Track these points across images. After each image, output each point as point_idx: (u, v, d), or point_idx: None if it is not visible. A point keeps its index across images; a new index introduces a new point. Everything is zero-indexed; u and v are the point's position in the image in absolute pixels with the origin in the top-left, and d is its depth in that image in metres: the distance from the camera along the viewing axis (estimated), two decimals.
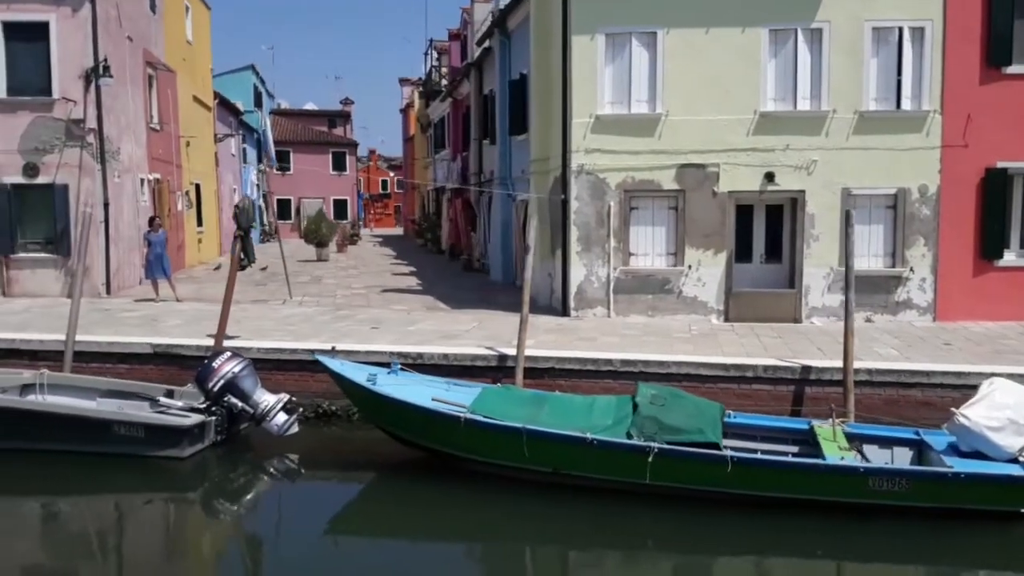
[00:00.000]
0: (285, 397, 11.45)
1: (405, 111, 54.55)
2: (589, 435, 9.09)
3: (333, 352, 11.70)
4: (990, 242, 15.04)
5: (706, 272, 15.31)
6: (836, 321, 15.10)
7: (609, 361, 11.73)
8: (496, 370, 12.08)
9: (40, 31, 18.40)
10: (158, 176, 23.73)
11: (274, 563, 8.74)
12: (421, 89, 43.53)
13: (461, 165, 30.77)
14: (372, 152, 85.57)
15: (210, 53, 33.52)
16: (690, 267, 15.31)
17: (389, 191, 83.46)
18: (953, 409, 9.30)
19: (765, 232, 15.66)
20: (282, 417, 11.24)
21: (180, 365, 12.95)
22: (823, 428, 9.84)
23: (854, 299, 11.33)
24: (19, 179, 18.56)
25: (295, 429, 11.32)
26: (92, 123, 18.71)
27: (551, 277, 17.42)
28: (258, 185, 44.03)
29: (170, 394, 11.99)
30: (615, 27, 15.21)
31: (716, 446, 9.02)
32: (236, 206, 13.20)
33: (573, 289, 15.62)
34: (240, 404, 11.21)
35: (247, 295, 19.92)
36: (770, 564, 8.63)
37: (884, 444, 9.93)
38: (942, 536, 8.76)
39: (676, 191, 15.30)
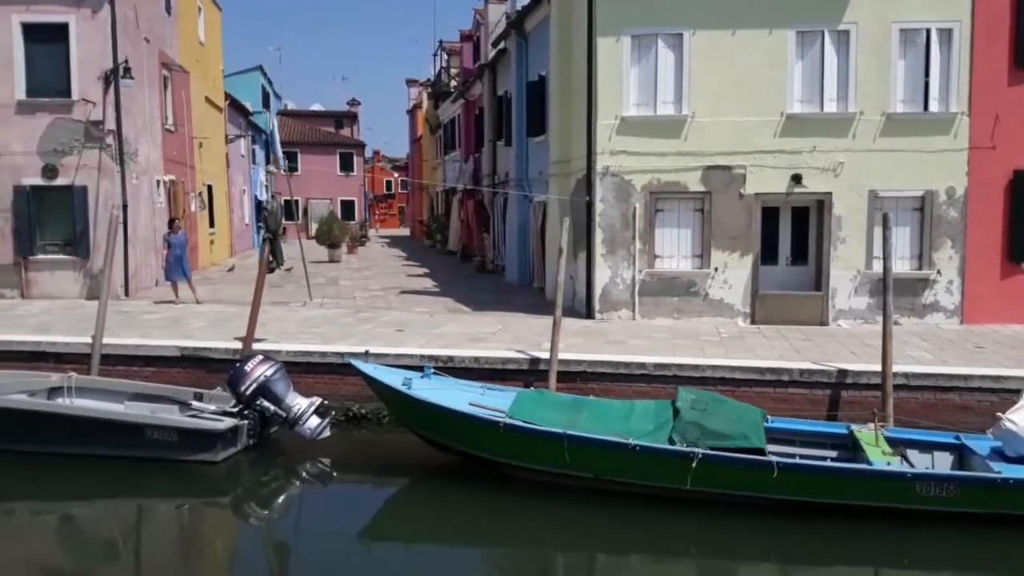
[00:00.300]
0: (317, 401, 11.37)
1: (412, 112, 54.46)
2: (631, 441, 9.01)
3: (366, 356, 11.62)
4: (1018, 244, 14.96)
5: (732, 274, 15.24)
6: (862, 324, 15.09)
7: (642, 365, 11.66)
8: (527, 373, 12.01)
9: (59, 32, 18.36)
10: (173, 177, 23.68)
11: (308, 568, 8.64)
12: (430, 90, 43.49)
13: (474, 166, 30.70)
14: (376, 153, 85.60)
15: (221, 54, 33.47)
16: (716, 269, 15.24)
17: (393, 191, 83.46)
18: (999, 414, 9.22)
19: (791, 234, 15.58)
20: (315, 421, 11.16)
21: (208, 368, 12.88)
22: (864, 433, 9.76)
23: (891, 302, 11.22)
24: (38, 181, 18.52)
25: (328, 433, 11.24)
26: (111, 124, 18.67)
27: (573, 279, 17.31)
28: (267, 186, 43.94)
29: (199, 397, 11.93)
30: (641, 28, 15.14)
31: (761, 452, 8.95)
32: (264, 208, 13.18)
33: (598, 291, 15.54)
34: (272, 408, 11.13)
35: (266, 297, 19.77)
36: (817, 571, 8.55)
37: (924, 448, 9.85)
38: (990, 543, 8.68)
39: (702, 193, 15.23)
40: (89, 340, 13.28)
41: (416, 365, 11.96)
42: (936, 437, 9.99)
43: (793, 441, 10.11)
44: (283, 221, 13.58)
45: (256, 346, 12.72)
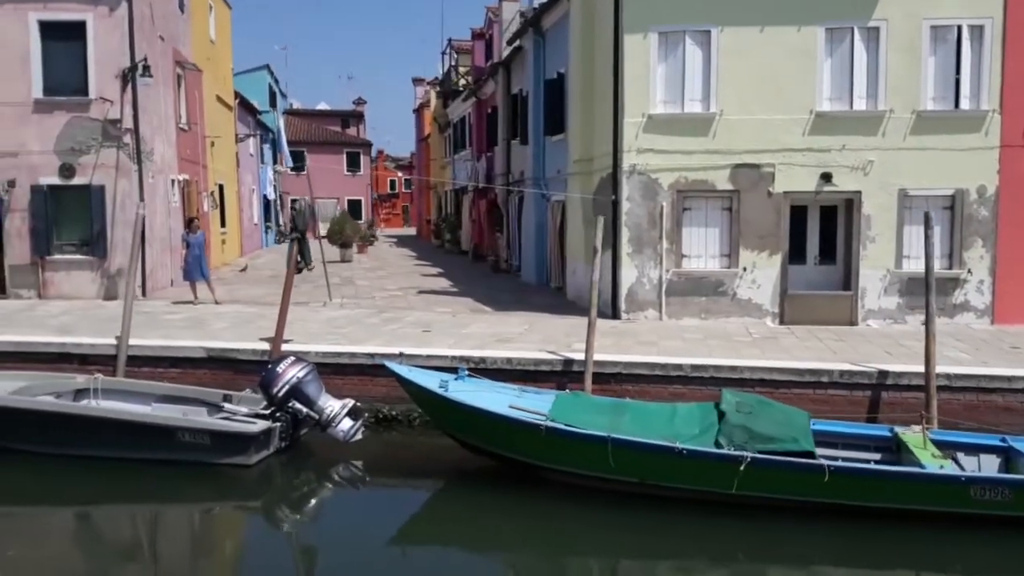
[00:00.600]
0: (350, 403, 11.20)
1: (418, 111, 54.33)
2: (678, 444, 8.85)
3: (400, 357, 11.47)
4: None
5: (761, 274, 15.08)
6: (892, 324, 14.95)
7: (679, 366, 11.51)
8: (561, 375, 11.86)
9: (77, 30, 18.21)
10: (187, 177, 23.54)
11: (342, 573, 8.48)
12: (439, 89, 43.31)
13: (486, 165, 30.55)
14: (380, 152, 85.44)
15: (231, 52, 33.32)
16: (744, 269, 15.08)
17: (397, 191, 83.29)
18: None
19: (819, 233, 15.43)
20: (348, 423, 11.01)
21: (235, 369, 12.74)
22: (909, 435, 9.61)
23: (934, 302, 11.07)
24: (55, 180, 18.38)
25: (361, 435, 11.09)
26: (128, 123, 18.52)
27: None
28: (274, 185, 43.80)
29: (228, 399, 11.75)
30: (668, 26, 14.98)
31: (810, 455, 8.80)
32: (293, 208, 12.99)
33: (624, 291, 15.39)
34: (305, 410, 10.98)
35: None
36: None
37: (970, 451, 9.70)
38: None
39: (730, 191, 15.07)
40: (113, 341, 13.17)
41: (447, 366, 11.82)
42: (982, 439, 9.83)
43: (835, 443, 9.95)
44: (311, 221, 13.36)
45: (284, 347, 12.58)
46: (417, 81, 54.72)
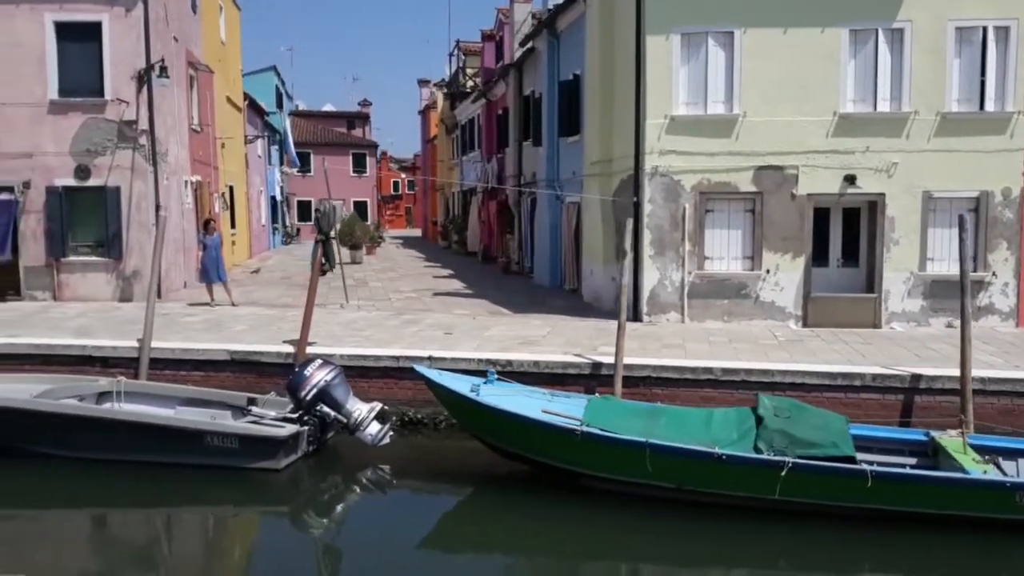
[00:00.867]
0: (378, 406, 11.11)
1: (424, 112, 54.23)
2: (717, 450, 8.76)
3: (429, 361, 11.38)
4: None
5: (784, 276, 14.99)
6: (916, 327, 14.86)
7: (709, 369, 11.41)
8: (589, 378, 11.77)
9: (92, 31, 18.12)
10: (199, 178, 23.45)
11: None
12: (446, 90, 43.23)
13: (497, 167, 30.47)
14: (384, 153, 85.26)
15: (240, 54, 33.26)
16: (768, 271, 15.00)
17: (400, 192, 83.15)
18: None
19: (842, 235, 15.35)
20: (375, 427, 10.91)
21: (258, 372, 12.65)
22: (947, 439, 9.52)
23: (970, 305, 10.97)
24: (71, 181, 18.28)
25: (389, 439, 10.98)
26: (143, 124, 18.42)
27: (615, 281, 17.06)
28: (282, 187, 43.73)
29: (253, 402, 11.67)
30: (691, 27, 14.90)
31: (852, 460, 8.70)
32: (317, 210, 12.85)
33: (646, 294, 15.29)
34: (333, 413, 10.89)
35: (300, 299, 19.56)
36: None
37: (1009, 456, 9.59)
38: None
39: (753, 193, 14.99)
40: (135, 343, 13.08)
41: (474, 369, 11.74)
42: (1020, 444, 9.73)
43: (870, 448, 9.84)
44: (335, 222, 13.25)
45: (308, 350, 12.48)
46: (423, 83, 54.61)
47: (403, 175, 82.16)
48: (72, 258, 18.47)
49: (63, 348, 13.12)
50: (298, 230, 48.95)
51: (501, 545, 9.18)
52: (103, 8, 18.10)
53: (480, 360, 12.04)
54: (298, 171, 48.36)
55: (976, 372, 10.81)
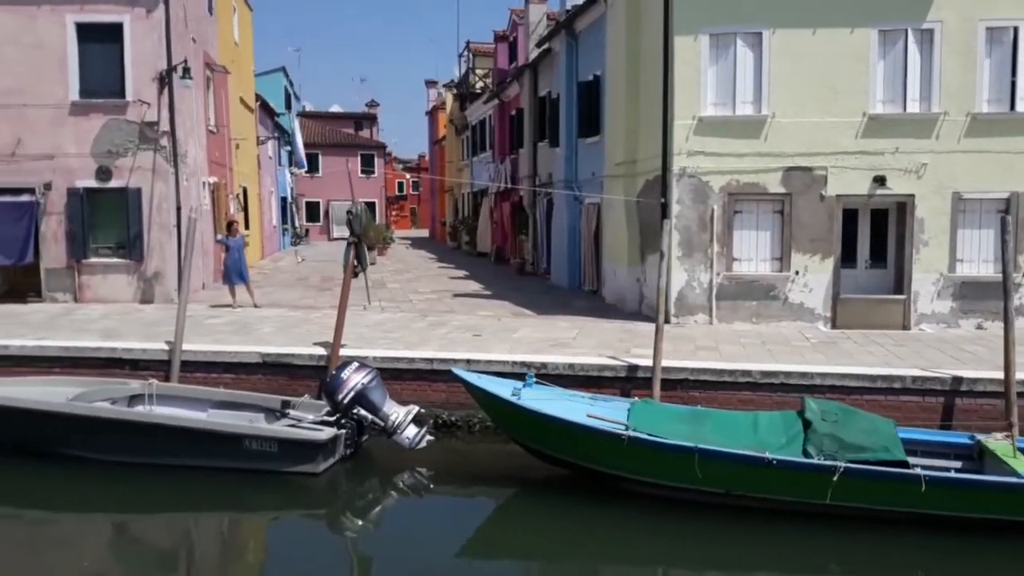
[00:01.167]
0: (415, 409, 11.06)
1: (432, 113, 54.20)
2: (767, 454, 8.69)
3: (467, 364, 11.32)
4: None
5: (812, 278, 14.93)
6: (946, 328, 14.79)
7: (747, 372, 11.35)
8: (625, 381, 11.70)
9: (114, 32, 18.06)
10: (216, 179, 23.38)
11: None
12: (456, 91, 43.18)
13: (510, 168, 30.41)
14: (388, 154, 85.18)
15: (252, 54, 33.19)
16: (796, 273, 14.93)
17: (405, 193, 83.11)
18: None
19: (870, 237, 15.29)
20: (412, 430, 10.85)
21: (290, 375, 12.59)
22: (994, 442, 9.45)
23: (1012, 307, 10.89)
24: (92, 183, 18.22)
25: (425, 443, 10.91)
26: (164, 125, 18.35)
27: (640, 283, 17.05)
28: (292, 188, 43.67)
29: (286, 405, 11.60)
30: (719, 27, 14.83)
31: (904, 464, 8.64)
32: (348, 211, 12.79)
33: (673, 295, 15.20)
34: (370, 417, 10.83)
35: (321, 300, 19.56)
36: None
37: None
38: None
39: (782, 195, 14.92)
40: (164, 346, 13.03)
41: (508, 372, 11.69)
42: None
43: (915, 451, 9.75)
44: (368, 224, 13.17)
45: (339, 352, 12.42)
46: (430, 84, 54.58)
47: (407, 176, 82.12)
48: (93, 260, 18.41)
49: (92, 351, 13.05)
50: (307, 231, 48.90)
51: (543, 551, 9.09)
52: (124, 9, 18.04)
53: (514, 363, 11.97)
54: (306, 172, 48.27)
55: (1021, 375, 10.72)
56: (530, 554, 9.13)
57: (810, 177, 14.84)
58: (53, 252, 18.27)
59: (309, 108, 57.42)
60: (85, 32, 18.01)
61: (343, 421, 10.77)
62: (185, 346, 12.80)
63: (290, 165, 44.60)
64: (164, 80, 18.20)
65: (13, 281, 18.79)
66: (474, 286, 23.20)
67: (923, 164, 14.66)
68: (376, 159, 54.31)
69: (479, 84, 39.29)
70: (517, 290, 21.77)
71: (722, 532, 8.96)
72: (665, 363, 11.44)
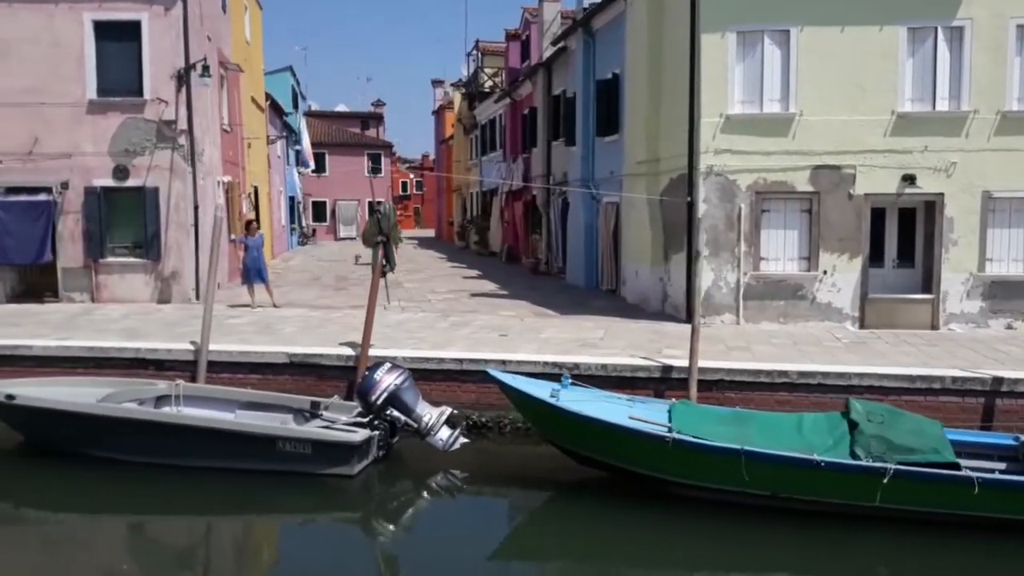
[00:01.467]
0: (448, 410, 10.93)
1: (438, 113, 54.05)
2: (816, 456, 8.56)
3: (504, 365, 11.19)
4: None
5: (841, 277, 14.80)
6: (975, 328, 14.67)
7: (784, 372, 11.22)
8: (659, 382, 11.57)
9: (132, 30, 17.92)
10: (229, 179, 23.25)
11: None
12: (464, 90, 43.03)
13: (523, 167, 30.27)
14: (393, 154, 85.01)
15: (262, 53, 33.07)
16: (825, 272, 14.80)
17: (409, 192, 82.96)
18: None
19: (897, 236, 15.17)
20: (446, 432, 10.72)
21: (318, 375, 12.47)
22: None
23: None
24: (109, 182, 18.08)
25: (459, 445, 10.77)
26: (182, 124, 18.22)
27: (663, 282, 16.92)
28: (300, 187, 43.54)
29: (316, 406, 11.48)
30: (746, 25, 14.71)
31: (954, 466, 8.51)
32: (377, 210, 12.66)
33: (700, 295, 15.06)
34: (404, 418, 10.71)
35: (338, 300, 19.45)
36: None
37: None
38: None
39: (810, 193, 14.79)
40: (188, 346, 12.91)
41: (540, 372, 11.56)
42: None
43: (958, 452, 9.60)
44: (394, 223, 13.02)
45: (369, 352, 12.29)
46: (436, 83, 54.40)
47: (411, 176, 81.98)
48: (110, 259, 18.27)
49: (117, 351, 12.94)
50: (314, 231, 48.77)
51: (581, 553, 8.95)
52: (142, 7, 17.90)
53: (546, 363, 11.85)
54: (312, 171, 48.15)
55: None
56: (568, 557, 9.00)
57: (838, 176, 14.71)
58: (70, 252, 18.14)
59: (315, 107, 57.28)
60: (103, 30, 17.88)
61: (376, 423, 10.64)
62: (211, 346, 12.66)
63: (297, 164, 44.48)
64: (182, 78, 18.07)
65: (30, 281, 18.67)
66: (490, 286, 23.06)
67: (952, 163, 14.53)
68: (383, 158, 54.15)
69: (488, 83, 39.15)
70: (534, 290, 21.64)
71: (766, 534, 8.83)
72: (700, 363, 11.30)
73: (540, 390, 10.01)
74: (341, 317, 16.19)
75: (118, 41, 17.95)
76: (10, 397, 10.73)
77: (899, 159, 14.60)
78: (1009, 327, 14.54)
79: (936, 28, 14.46)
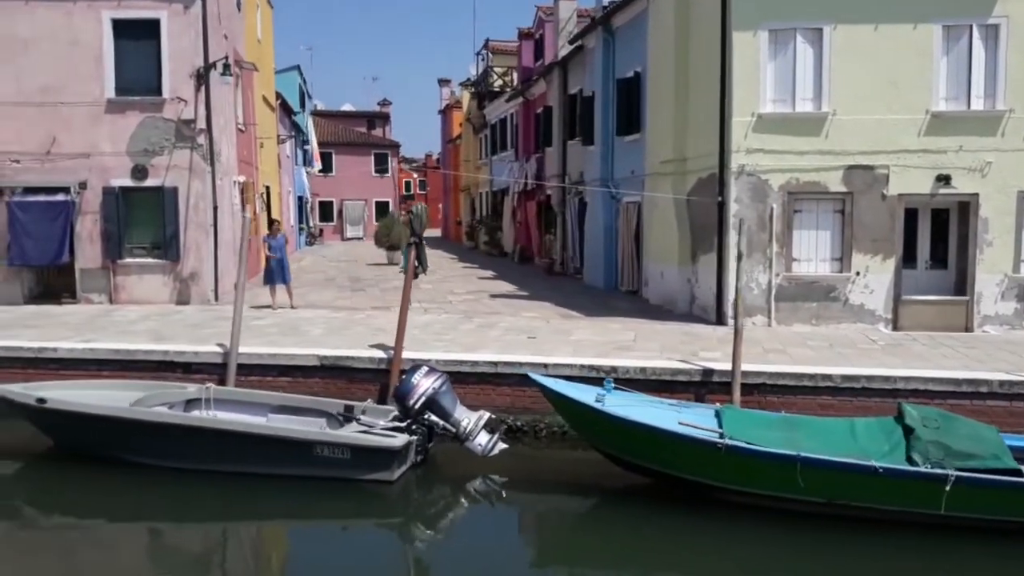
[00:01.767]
0: (486, 415, 10.71)
1: (445, 112, 53.84)
2: (874, 462, 8.37)
3: (545, 369, 11.00)
4: None
5: (874, 279, 14.62)
6: (1010, 330, 14.49)
7: (828, 376, 11.03)
8: (699, 385, 11.39)
9: (150, 28, 17.72)
10: (244, 178, 23.05)
11: None
12: (473, 90, 42.84)
13: (536, 166, 30.08)
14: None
15: (273, 52, 32.87)
16: (857, 273, 14.62)
17: (412, 192, 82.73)
18: None
19: (930, 237, 14.99)
20: (484, 437, 10.50)
21: (348, 378, 12.27)
22: None
23: None
24: (127, 182, 17.89)
25: (498, 450, 10.56)
26: (201, 123, 18.02)
27: (691, 283, 16.73)
28: (307, 187, 43.34)
29: (349, 410, 11.26)
30: (778, 23, 14.53)
31: (1017, 472, 8.32)
32: (410, 211, 12.48)
33: (730, 296, 14.87)
34: (442, 423, 10.49)
35: (358, 301, 19.27)
36: None
37: None
38: None
39: (843, 193, 14.61)
40: (216, 348, 12.72)
41: (578, 376, 11.37)
42: None
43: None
44: (426, 224, 12.83)
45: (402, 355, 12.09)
46: (443, 82, 54.21)
47: (415, 175, 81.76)
48: (128, 260, 18.07)
49: (143, 354, 12.75)
50: (320, 231, 48.56)
51: (628, 562, 8.72)
52: (161, 5, 17.69)
53: (582, 366, 11.66)
54: (319, 171, 47.94)
55: None
56: (613, 564, 8.77)
57: (872, 176, 14.52)
58: (88, 252, 17.93)
59: (320, 107, 57.06)
60: (121, 28, 17.67)
61: (414, 427, 10.44)
62: (239, 349, 12.46)
63: (305, 164, 44.28)
64: (201, 77, 17.86)
65: (48, 282, 18.47)
66: (507, 287, 22.87)
67: (987, 163, 14.34)
68: (390, 158, 53.94)
69: (498, 83, 38.97)
70: (553, 290, 21.45)
71: (820, 542, 8.63)
72: (743, 367, 11.10)
73: (584, 395, 9.82)
74: (364, 319, 16.01)
75: (137, 39, 17.75)
76: (41, 401, 10.54)
77: (933, 159, 14.42)
78: None
79: (971, 26, 14.28)
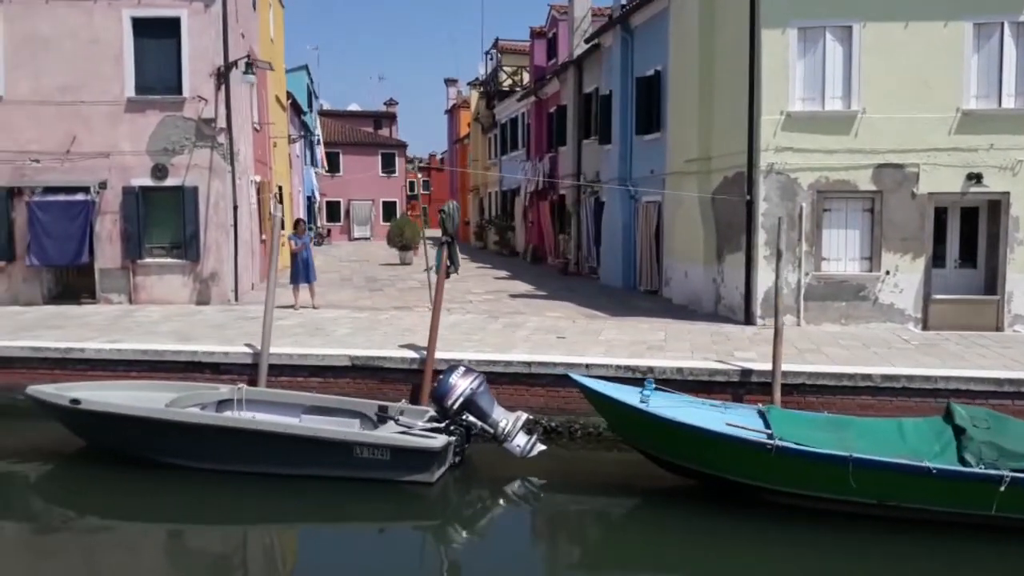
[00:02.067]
0: (524, 416, 10.62)
1: (452, 112, 53.76)
2: (927, 463, 8.27)
3: (586, 369, 10.90)
4: None
5: (903, 278, 14.52)
6: None
7: (868, 376, 10.93)
8: (737, 386, 11.30)
9: (171, 27, 17.63)
10: (259, 178, 22.96)
11: None
12: (482, 89, 42.74)
13: (548, 166, 29.98)
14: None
15: (283, 52, 32.74)
16: (887, 272, 14.53)
17: (416, 192, 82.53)
18: None
19: (960, 236, 14.90)
20: (523, 438, 10.41)
21: (380, 379, 12.19)
22: None
23: None
24: (147, 181, 17.79)
25: (536, 451, 10.46)
26: (222, 122, 17.92)
27: (716, 283, 16.63)
28: (316, 187, 43.22)
29: (384, 410, 11.14)
30: (807, 21, 14.43)
31: None
32: (441, 211, 12.39)
33: (759, 296, 14.80)
34: (480, 424, 10.39)
35: (378, 301, 19.19)
36: None
37: None
38: None
39: (873, 192, 14.51)
40: (245, 349, 12.64)
41: (613, 376, 11.28)
42: None
43: None
44: (458, 224, 12.75)
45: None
46: (450, 82, 54.11)
47: (419, 175, 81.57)
48: (148, 260, 17.97)
49: (172, 354, 12.65)
50: (328, 231, 48.45)
51: (673, 564, 8.64)
52: (182, 3, 17.60)
53: (618, 366, 11.56)
54: (327, 172, 47.84)
55: None
56: (658, 567, 8.68)
57: (901, 174, 14.43)
58: (108, 252, 17.83)
59: (327, 107, 56.95)
60: (142, 27, 17.58)
61: (452, 428, 10.34)
62: (271, 349, 12.37)
63: (314, 165, 44.18)
64: (221, 76, 17.76)
65: (67, 282, 18.38)
66: (524, 286, 22.78)
67: (1019, 161, 14.25)
68: (397, 158, 53.83)
69: (508, 82, 38.88)
70: (571, 290, 21.36)
71: (870, 543, 8.53)
72: (784, 368, 11.00)
73: (627, 395, 9.72)
74: (389, 319, 15.92)
75: (157, 38, 17.65)
76: (75, 402, 10.45)
77: (964, 157, 14.32)
78: None
79: (1003, 23, 14.18)
